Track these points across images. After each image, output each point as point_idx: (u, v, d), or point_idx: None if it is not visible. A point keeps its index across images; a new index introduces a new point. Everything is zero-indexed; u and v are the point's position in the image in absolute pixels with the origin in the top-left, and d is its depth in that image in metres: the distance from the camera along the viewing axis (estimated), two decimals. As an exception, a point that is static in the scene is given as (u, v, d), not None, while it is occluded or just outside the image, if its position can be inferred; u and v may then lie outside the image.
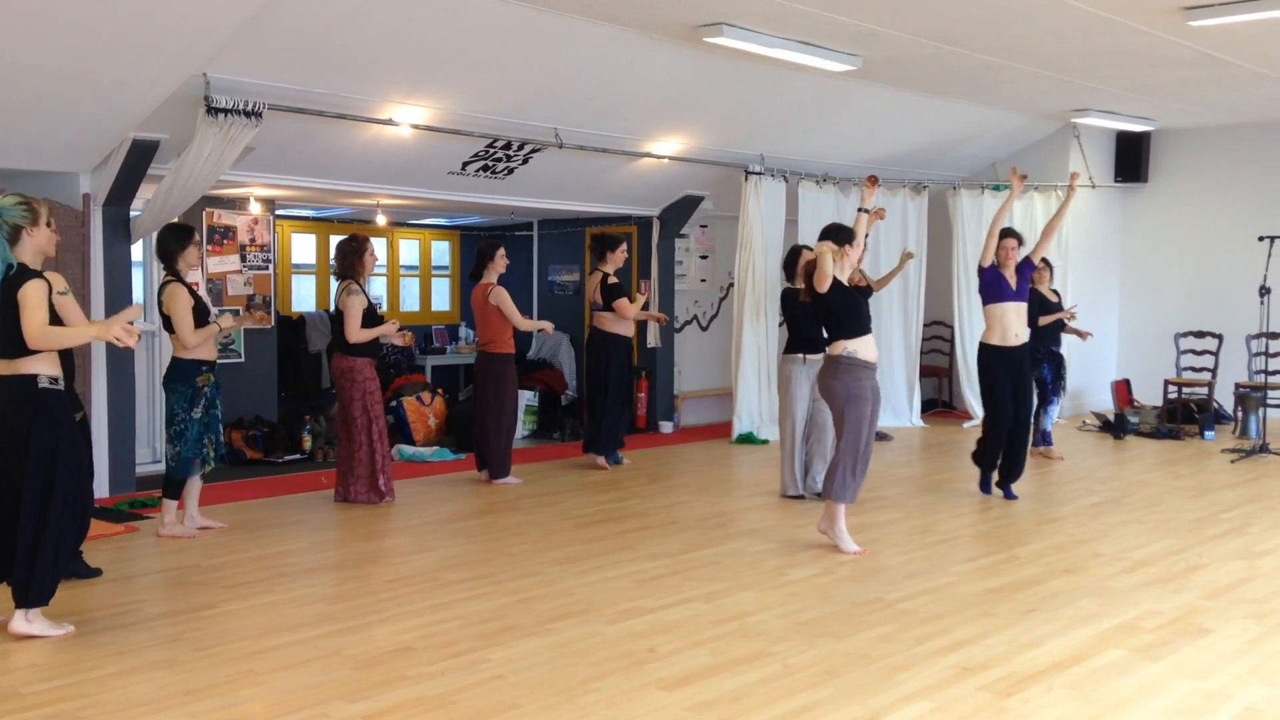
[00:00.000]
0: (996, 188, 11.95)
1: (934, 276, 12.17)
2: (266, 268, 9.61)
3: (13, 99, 6.49)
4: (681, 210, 11.20)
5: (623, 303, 8.94)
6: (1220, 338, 11.77)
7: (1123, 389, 12.44)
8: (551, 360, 11.86)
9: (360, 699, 4.09)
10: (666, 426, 11.30)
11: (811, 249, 7.34)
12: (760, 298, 10.67)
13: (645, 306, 9.77)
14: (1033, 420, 8.98)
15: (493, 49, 7.59)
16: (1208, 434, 11.03)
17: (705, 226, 11.96)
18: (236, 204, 9.34)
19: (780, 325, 10.95)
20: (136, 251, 8.23)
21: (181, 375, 6.49)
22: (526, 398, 10.87)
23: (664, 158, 9.98)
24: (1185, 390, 11.68)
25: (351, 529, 6.96)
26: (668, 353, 11.45)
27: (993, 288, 7.78)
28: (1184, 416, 11.37)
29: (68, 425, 4.80)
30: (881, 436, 10.32)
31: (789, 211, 10.96)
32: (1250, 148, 12.19)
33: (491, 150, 8.94)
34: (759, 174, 10.67)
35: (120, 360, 7.73)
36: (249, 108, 7.10)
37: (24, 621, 4.76)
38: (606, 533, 6.83)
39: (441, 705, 4.04)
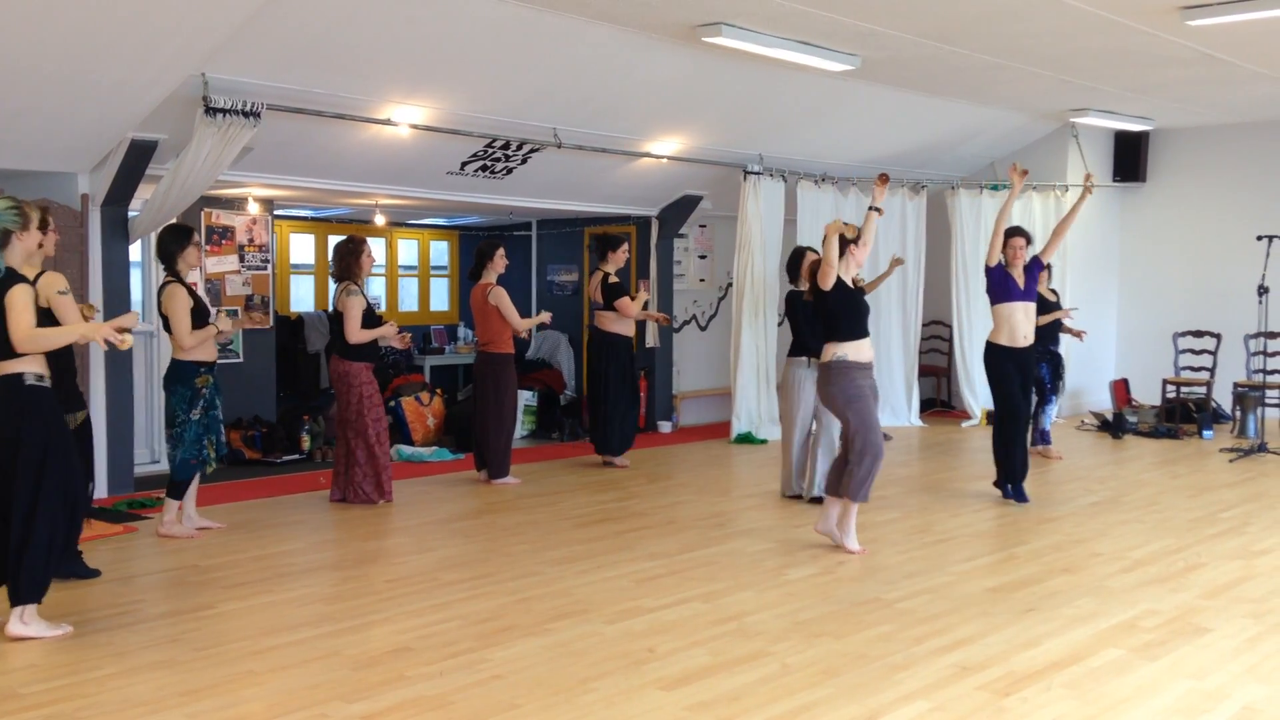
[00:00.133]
0: (995, 187, 11.96)
1: (932, 276, 12.17)
2: (265, 268, 9.61)
3: (11, 99, 6.49)
4: (680, 210, 11.20)
5: (625, 301, 8.95)
6: (1219, 337, 11.78)
7: (1121, 388, 12.45)
8: (550, 360, 11.86)
9: (359, 699, 4.09)
10: (665, 426, 11.30)
11: (815, 250, 7.33)
12: (759, 298, 10.67)
13: (645, 306, 9.77)
14: (1032, 419, 8.97)
15: (491, 49, 7.59)
16: (1206, 433, 11.04)
17: (704, 226, 11.96)
18: (235, 204, 9.34)
19: (780, 325, 10.99)
20: (135, 252, 8.24)
21: (180, 377, 6.49)
22: (525, 398, 10.88)
23: (663, 157, 9.98)
24: (1184, 390, 11.69)
25: (350, 529, 6.96)
26: (666, 353, 11.45)
27: (1000, 287, 7.72)
28: (1182, 416, 11.38)
29: (58, 423, 4.81)
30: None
31: (788, 211, 10.96)
32: (1249, 147, 12.19)
33: (490, 150, 8.94)
34: (758, 174, 10.67)
35: (119, 361, 7.73)
36: (247, 108, 7.10)
37: (19, 624, 4.75)
38: (605, 533, 6.84)
39: (440, 705, 4.04)
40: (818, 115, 10.29)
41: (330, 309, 7.83)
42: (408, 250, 12.73)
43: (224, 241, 9.31)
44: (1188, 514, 7.46)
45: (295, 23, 6.68)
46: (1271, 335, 11.07)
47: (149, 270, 8.70)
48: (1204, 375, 11.75)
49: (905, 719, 3.95)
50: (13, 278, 4.72)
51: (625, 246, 9.13)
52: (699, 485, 8.50)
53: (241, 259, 9.41)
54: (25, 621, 4.76)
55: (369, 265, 7.59)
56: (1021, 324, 7.68)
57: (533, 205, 10.32)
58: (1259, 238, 10.46)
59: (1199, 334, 11.96)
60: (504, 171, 9.36)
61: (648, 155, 9.88)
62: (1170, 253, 12.79)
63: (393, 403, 10.13)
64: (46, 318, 5.26)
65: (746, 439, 10.58)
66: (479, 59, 7.71)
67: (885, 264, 10.88)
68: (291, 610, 5.22)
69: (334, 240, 9.46)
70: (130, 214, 7.82)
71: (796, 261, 7.83)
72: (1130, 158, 12.68)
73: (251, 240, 9.49)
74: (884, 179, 6.62)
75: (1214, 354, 11.76)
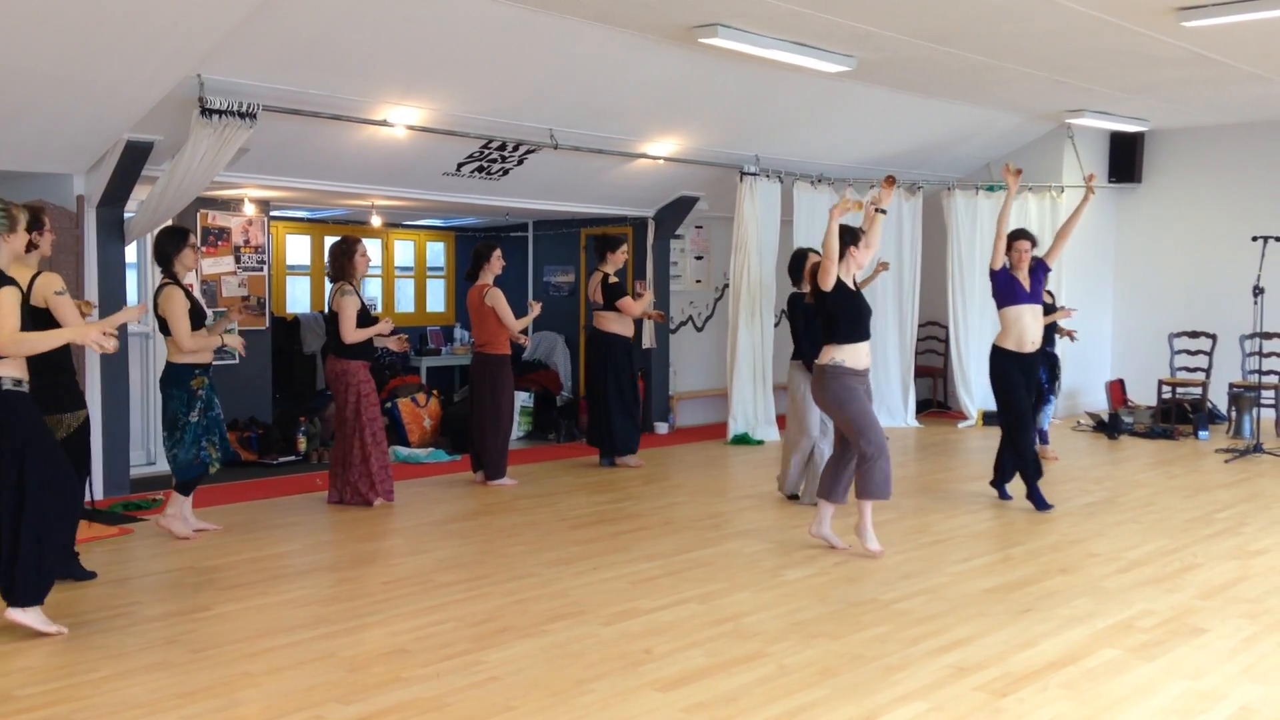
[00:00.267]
0: (991, 188, 11.97)
1: (929, 277, 12.18)
2: (261, 269, 9.60)
3: (7, 100, 6.47)
4: (677, 211, 11.20)
5: (627, 300, 8.96)
6: (1214, 338, 11.79)
7: (1117, 389, 12.46)
8: (547, 361, 11.86)
9: (355, 701, 4.09)
10: (662, 427, 11.30)
11: (816, 252, 7.29)
12: (755, 298, 10.67)
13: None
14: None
15: (487, 50, 7.59)
16: (1202, 434, 11.05)
17: (700, 227, 11.96)
18: (231, 205, 9.33)
19: (776, 326, 10.99)
20: (131, 253, 8.22)
21: (176, 380, 6.47)
22: (522, 399, 10.87)
23: (659, 158, 9.98)
24: (1179, 390, 11.70)
25: (346, 530, 6.95)
26: (663, 353, 11.45)
27: (1006, 291, 7.60)
28: (1178, 416, 11.39)
29: (35, 425, 4.77)
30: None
31: (784, 212, 10.96)
32: (1244, 148, 12.21)
33: (486, 151, 8.94)
34: (754, 175, 10.67)
35: (114, 363, 7.72)
36: (243, 109, 7.10)
37: (19, 610, 4.76)
38: (602, 534, 6.83)
39: (436, 707, 4.03)
40: (814, 116, 10.29)
41: (326, 310, 7.83)
42: (404, 251, 12.73)
43: (220, 243, 9.30)
44: (1183, 514, 7.47)
45: (291, 24, 6.67)
46: (1267, 336, 11.08)
47: (144, 272, 8.69)
48: (1199, 376, 11.76)
49: (902, 719, 3.96)
50: (0, 279, 4.70)
51: (624, 247, 9.13)
52: (695, 486, 8.50)
53: (237, 260, 9.41)
54: (25, 609, 4.77)
55: (364, 266, 7.59)
56: (1029, 326, 7.55)
57: (529, 206, 10.32)
58: (1254, 238, 10.46)
59: (1194, 334, 11.97)
60: (500, 172, 9.36)
61: (644, 156, 9.88)
62: (1166, 253, 12.80)
63: (389, 404, 10.12)
64: (44, 318, 5.26)
65: (743, 440, 10.58)
66: (475, 60, 7.71)
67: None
68: (288, 612, 5.21)
69: (330, 241, 9.45)
70: (126, 215, 7.81)
71: (799, 263, 7.74)
72: (1125, 158, 12.70)
73: (247, 241, 9.48)
74: (891, 180, 6.58)
75: (1209, 354, 11.78)
